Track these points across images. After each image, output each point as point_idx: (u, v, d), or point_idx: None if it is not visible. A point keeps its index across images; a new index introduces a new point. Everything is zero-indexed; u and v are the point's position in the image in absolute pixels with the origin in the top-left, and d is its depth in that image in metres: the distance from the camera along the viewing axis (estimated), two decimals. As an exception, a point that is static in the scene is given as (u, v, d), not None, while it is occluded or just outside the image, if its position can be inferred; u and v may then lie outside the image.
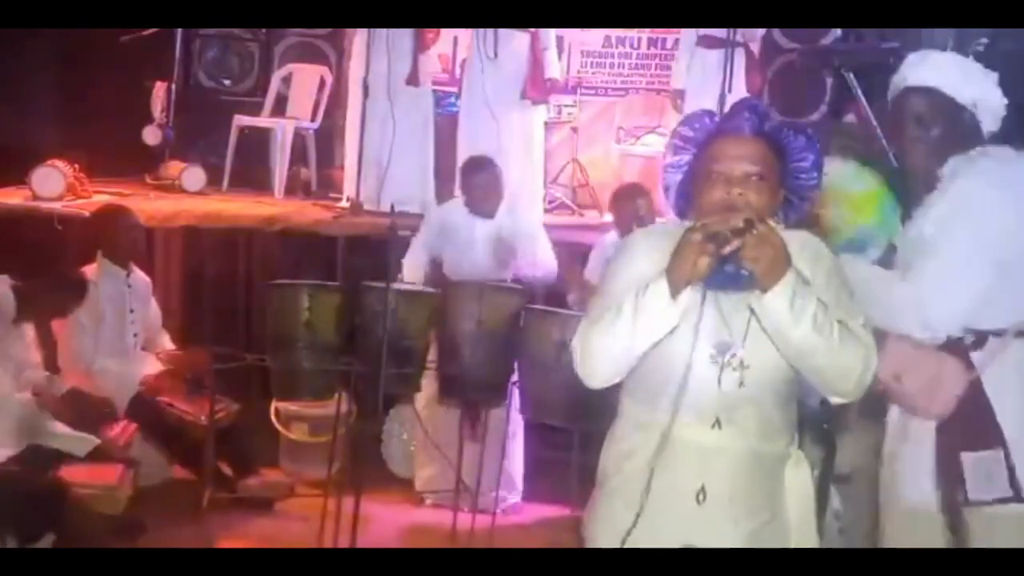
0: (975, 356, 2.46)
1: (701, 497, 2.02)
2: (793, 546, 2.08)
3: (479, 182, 4.69)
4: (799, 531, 2.10)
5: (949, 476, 2.47)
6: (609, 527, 2.07)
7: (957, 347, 2.46)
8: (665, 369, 2.01)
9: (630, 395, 2.11)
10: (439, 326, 3.92)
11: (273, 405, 4.81)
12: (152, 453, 4.45)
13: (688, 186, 2.09)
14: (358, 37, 6.08)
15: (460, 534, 4.13)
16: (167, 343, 4.75)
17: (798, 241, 2.02)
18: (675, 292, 1.92)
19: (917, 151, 2.55)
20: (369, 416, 4.10)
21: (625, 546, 2.02)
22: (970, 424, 2.46)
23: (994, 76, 2.56)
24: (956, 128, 2.51)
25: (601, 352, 2.02)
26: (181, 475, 4.49)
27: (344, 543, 3.68)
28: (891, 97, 2.60)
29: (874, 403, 2.99)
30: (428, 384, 4.28)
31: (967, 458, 2.45)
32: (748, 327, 1.98)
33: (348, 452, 4.21)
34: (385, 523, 4.32)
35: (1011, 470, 2.42)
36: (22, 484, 3.36)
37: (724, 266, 1.91)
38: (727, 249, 1.87)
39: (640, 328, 1.95)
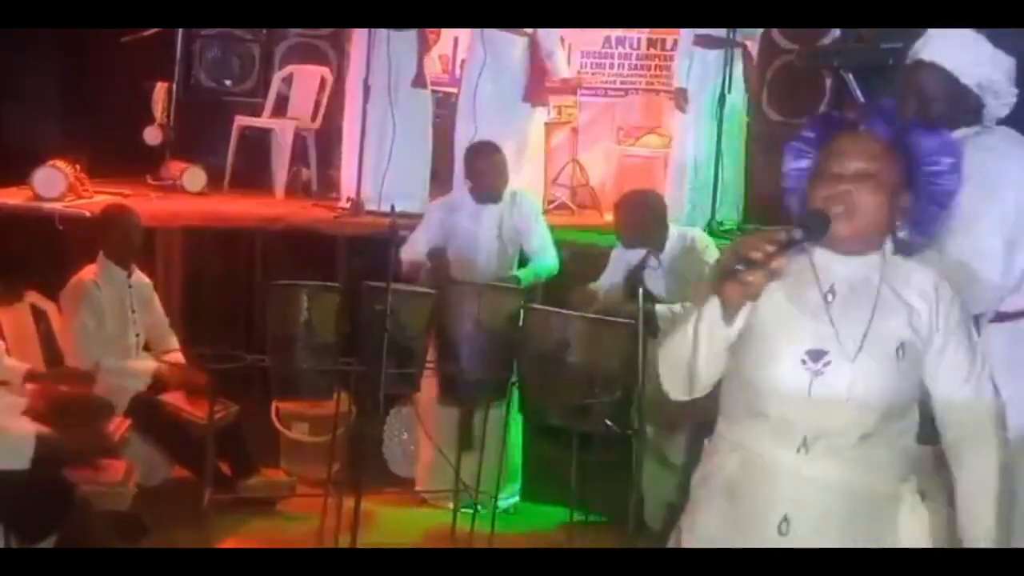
0: None
1: (784, 527, 1.87)
2: None
3: (486, 166, 4.69)
4: None
5: None
6: (693, 540, 2.00)
7: None
8: (755, 383, 1.89)
9: (722, 414, 2.00)
10: (439, 326, 3.92)
11: (273, 405, 4.81)
12: (153, 453, 4.46)
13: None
14: (357, 38, 6.08)
15: (460, 534, 4.13)
16: (174, 344, 4.75)
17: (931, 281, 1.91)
18: (728, 318, 1.78)
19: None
20: (369, 416, 4.10)
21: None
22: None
23: (1008, 62, 2.56)
24: (956, 108, 2.54)
25: (667, 366, 1.93)
26: (181, 475, 4.49)
27: (344, 543, 3.68)
28: (904, 67, 2.63)
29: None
30: (428, 384, 4.29)
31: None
32: (864, 337, 1.83)
33: (348, 452, 4.21)
34: (385, 523, 4.32)
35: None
36: (29, 483, 3.36)
37: None
38: (773, 265, 1.69)
39: (699, 348, 1.82)
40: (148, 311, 4.67)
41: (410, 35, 5.86)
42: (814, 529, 1.87)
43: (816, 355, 1.83)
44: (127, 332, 4.52)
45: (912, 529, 1.93)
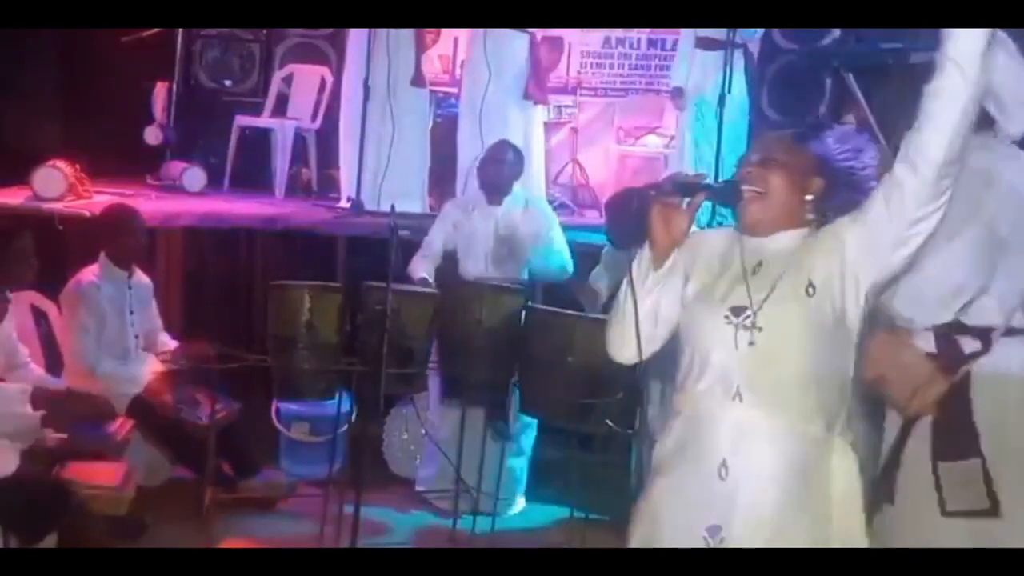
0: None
1: (723, 472, 2.02)
2: (835, 544, 2.04)
3: (494, 159, 4.74)
4: (842, 528, 2.05)
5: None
6: (645, 510, 2.12)
7: (944, 348, 2.46)
8: (689, 343, 2.11)
9: (671, 386, 2.18)
10: (440, 326, 3.92)
11: (274, 405, 4.82)
12: (153, 453, 4.46)
13: None
14: (356, 38, 6.09)
15: (460, 534, 4.13)
16: (169, 343, 4.74)
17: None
18: (658, 260, 2.09)
19: (904, 124, 2.57)
20: (370, 416, 4.11)
21: (654, 522, 2.08)
22: (950, 431, 2.45)
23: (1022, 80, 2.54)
24: None
25: (613, 326, 2.18)
26: (182, 475, 4.49)
27: (344, 543, 3.68)
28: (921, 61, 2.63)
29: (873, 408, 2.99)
30: (429, 384, 4.29)
31: (944, 468, 2.44)
32: (767, 293, 2.05)
33: (349, 452, 4.21)
34: (385, 523, 4.33)
35: (988, 481, 2.40)
36: (25, 484, 3.36)
37: None
38: (696, 200, 2.03)
39: (639, 299, 2.09)
40: (147, 312, 4.66)
41: (408, 35, 5.86)
42: (750, 473, 2.01)
43: (737, 311, 2.06)
44: (126, 333, 4.51)
45: (840, 471, 2.05)
